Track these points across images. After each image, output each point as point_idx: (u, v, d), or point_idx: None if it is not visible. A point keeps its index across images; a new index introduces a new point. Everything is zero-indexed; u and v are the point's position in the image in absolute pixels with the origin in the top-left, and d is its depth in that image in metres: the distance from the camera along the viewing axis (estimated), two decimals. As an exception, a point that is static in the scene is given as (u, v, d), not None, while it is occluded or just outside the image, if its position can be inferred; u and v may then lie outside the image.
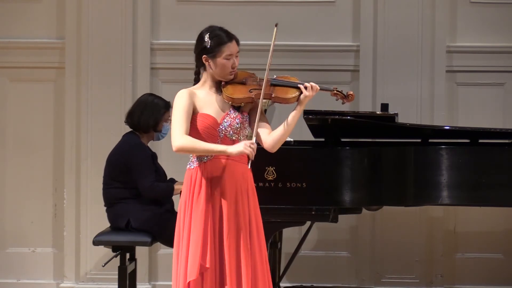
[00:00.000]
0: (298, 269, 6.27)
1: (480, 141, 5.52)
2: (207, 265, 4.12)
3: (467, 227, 6.47)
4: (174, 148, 4.13)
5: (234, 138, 4.24)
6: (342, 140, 5.59)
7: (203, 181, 4.20)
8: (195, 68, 4.39)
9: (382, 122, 5.41)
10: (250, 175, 4.29)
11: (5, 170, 6.57)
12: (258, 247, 4.24)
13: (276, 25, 4.26)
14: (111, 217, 5.60)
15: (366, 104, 6.37)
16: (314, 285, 6.43)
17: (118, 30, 6.41)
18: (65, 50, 6.45)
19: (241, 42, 4.34)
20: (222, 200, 4.19)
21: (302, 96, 4.22)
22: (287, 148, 5.21)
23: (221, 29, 4.29)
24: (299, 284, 6.35)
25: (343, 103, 4.45)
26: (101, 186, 5.79)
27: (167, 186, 5.52)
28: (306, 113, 5.12)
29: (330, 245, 6.50)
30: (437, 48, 6.37)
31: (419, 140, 5.53)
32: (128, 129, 5.72)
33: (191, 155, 4.27)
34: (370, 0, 6.39)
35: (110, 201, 5.59)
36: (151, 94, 5.80)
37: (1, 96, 6.57)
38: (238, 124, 4.25)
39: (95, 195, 6.32)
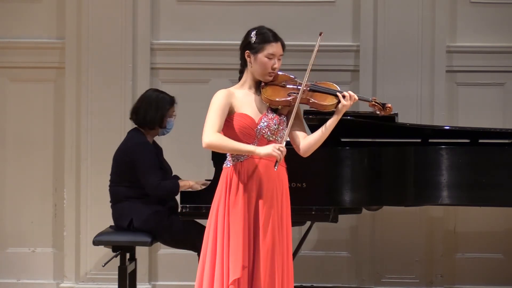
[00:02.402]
0: (298, 269, 6.25)
1: (480, 141, 5.52)
2: (246, 265, 4.16)
3: (467, 227, 6.47)
4: (203, 144, 4.15)
5: (271, 139, 4.26)
6: (342, 140, 5.59)
7: (240, 181, 4.21)
8: (240, 67, 4.38)
9: (382, 122, 5.40)
10: (285, 178, 4.33)
11: (5, 170, 6.57)
12: (286, 248, 4.29)
13: (320, 34, 4.27)
14: (115, 214, 5.60)
15: (366, 104, 6.35)
16: (314, 285, 6.43)
17: (118, 30, 6.41)
18: (65, 50, 6.45)
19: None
20: (259, 200, 4.21)
21: (340, 105, 4.25)
22: (287, 148, 5.21)
23: (269, 29, 4.32)
24: (299, 284, 6.35)
25: (380, 114, 4.45)
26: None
27: (173, 184, 5.50)
28: (306, 113, 5.12)
29: (330, 245, 6.50)
30: (437, 48, 6.37)
31: (419, 140, 5.53)
32: (131, 125, 5.70)
33: (227, 154, 4.29)
34: (370, 0, 6.40)
35: (116, 198, 5.58)
36: (155, 90, 5.76)
37: (1, 96, 6.57)
38: (275, 125, 4.26)
39: (95, 195, 6.33)
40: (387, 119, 5.41)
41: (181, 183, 5.51)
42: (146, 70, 6.45)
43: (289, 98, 4.25)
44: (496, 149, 5.36)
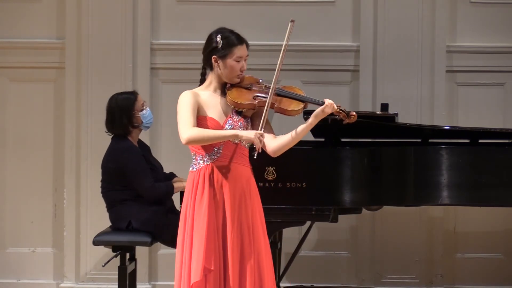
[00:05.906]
0: (298, 269, 6.27)
1: (480, 141, 5.53)
2: (212, 267, 4.13)
3: (467, 227, 6.47)
4: (183, 141, 4.12)
5: (236, 141, 4.23)
6: (342, 140, 5.59)
7: (206, 184, 4.20)
8: (202, 70, 4.37)
9: (382, 122, 5.41)
10: (251, 178, 4.30)
11: (5, 170, 6.57)
12: (264, 248, 4.25)
13: (292, 21, 4.26)
14: (112, 218, 5.58)
15: (366, 104, 6.37)
16: (314, 285, 6.43)
17: (118, 30, 6.41)
18: (65, 50, 6.45)
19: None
20: (226, 202, 4.19)
21: (319, 110, 4.17)
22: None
23: (232, 31, 4.29)
24: (299, 284, 6.35)
25: (344, 122, 4.30)
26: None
27: (167, 186, 5.49)
28: (306, 113, 5.09)
29: (330, 245, 6.50)
30: (437, 48, 6.37)
31: (419, 140, 5.53)
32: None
33: (193, 157, 4.28)
34: (370, 0, 6.40)
35: (111, 202, 5.55)
36: (114, 96, 5.61)
37: (1, 96, 6.57)
38: (240, 128, 4.24)
39: (95, 195, 6.32)
40: (387, 119, 5.42)
41: (175, 184, 5.50)
42: (146, 70, 6.45)
43: (255, 102, 4.21)
44: (496, 149, 5.36)
